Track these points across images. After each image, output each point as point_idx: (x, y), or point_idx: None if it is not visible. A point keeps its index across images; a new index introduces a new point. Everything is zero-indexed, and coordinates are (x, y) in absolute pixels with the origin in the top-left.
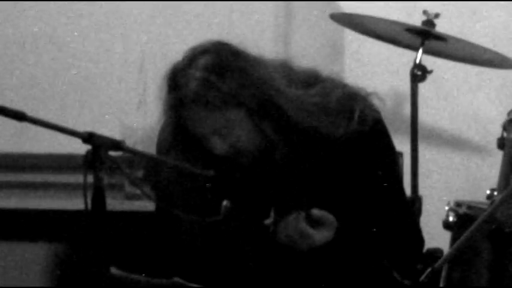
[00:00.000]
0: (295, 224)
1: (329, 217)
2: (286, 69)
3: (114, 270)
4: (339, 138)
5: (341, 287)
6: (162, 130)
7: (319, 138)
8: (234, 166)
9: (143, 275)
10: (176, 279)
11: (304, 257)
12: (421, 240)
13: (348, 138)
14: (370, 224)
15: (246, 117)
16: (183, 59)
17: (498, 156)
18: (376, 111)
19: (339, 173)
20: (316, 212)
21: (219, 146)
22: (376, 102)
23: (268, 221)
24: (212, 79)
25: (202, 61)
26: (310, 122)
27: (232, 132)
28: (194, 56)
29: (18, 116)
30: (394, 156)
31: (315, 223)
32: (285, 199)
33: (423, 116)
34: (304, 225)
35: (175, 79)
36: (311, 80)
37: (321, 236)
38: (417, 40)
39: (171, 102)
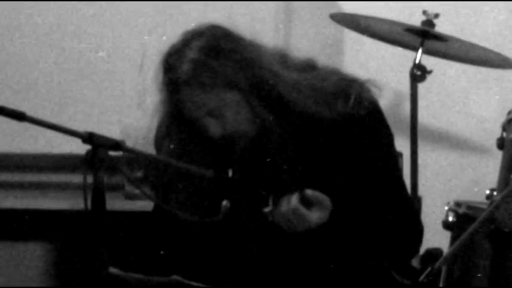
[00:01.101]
0: (289, 204)
1: (323, 197)
2: (282, 55)
3: (112, 269)
4: (335, 120)
5: (340, 280)
6: (160, 120)
7: (314, 120)
8: (229, 150)
9: (141, 273)
10: (175, 277)
11: (302, 241)
12: (419, 225)
13: (344, 120)
14: (367, 207)
15: (240, 98)
16: (178, 42)
17: (498, 156)
18: (373, 97)
19: (335, 155)
20: (310, 192)
21: (213, 127)
22: (374, 89)
23: (267, 209)
24: (206, 60)
25: (197, 43)
26: (305, 104)
27: (226, 113)
28: (189, 38)
29: (18, 116)
30: (391, 141)
31: (309, 203)
32: (282, 183)
33: (423, 116)
34: (298, 205)
35: (170, 61)
36: (308, 66)
37: (315, 216)
38: (417, 40)
39: (166, 84)
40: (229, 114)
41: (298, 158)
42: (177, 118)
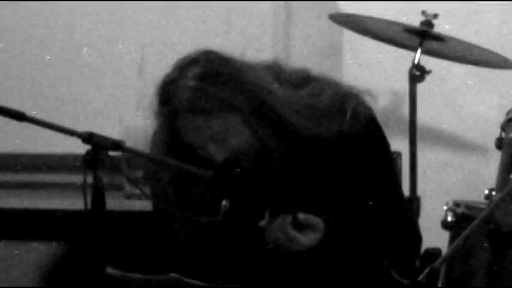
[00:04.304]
0: (281, 228)
1: (315, 220)
2: (276, 70)
3: (110, 269)
4: (333, 138)
5: (339, 279)
6: (154, 141)
7: (313, 139)
8: (232, 172)
9: (140, 272)
10: (173, 274)
11: (296, 259)
12: (418, 238)
13: (341, 138)
14: (367, 223)
15: (241, 121)
16: (173, 71)
17: (496, 156)
18: (369, 109)
19: (334, 173)
20: (302, 216)
21: (216, 152)
22: (368, 99)
23: (262, 223)
24: (205, 87)
25: (193, 71)
26: (303, 124)
27: (228, 137)
28: (183, 66)
29: (18, 116)
30: (389, 153)
31: (302, 226)
32: (280, 200)
33: (422, 116)
34: (289, 229)
35: (167, 91)
36: (302, 80)
37: (307, 239)
38: (416, 40)
39: (165, 115)
40: (231, 137)
41: (298, 176)
42: (177, 147)
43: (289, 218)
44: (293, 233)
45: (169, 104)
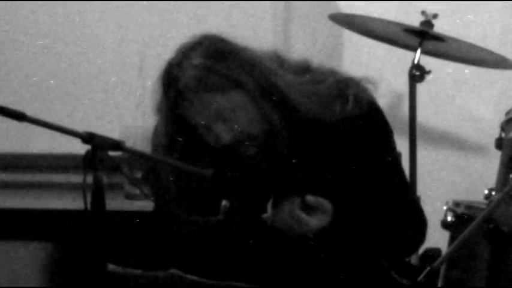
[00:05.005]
0: (290, 210)
1: (324, 203)
2: (277, 58)
3: (111, 266)
4: (336, 123)
5: (340, 280)
6: (156, 134)
7: (316, 123)
8: (237, 157)
9: (140, 268)
10: (173, 270)
11: (303, 246)
12: (423, 221)
13: (344, 121)
14: (372, 204)
15: (247, 99)
16: (176, 55)
17: (496, 156)
18: (370, 94)
19: (337, 155)
20: (310, 198)
21: (223, 132)
22: (369, 86)
23: (266, 215)
24: (211, 64)
25: (198, 51)
26: (308, 105)
27: (235, 115)
28: (188, 49)
29: (18, 116)
30: (391, 136)
31: (310, 209)
32: (284, 186)
33: (421, 116)
34: (298, 212)
35: (172, 74)
36: (303, 68)
37: (316, 221)
38: (415, 40)
39: (170, 98)
40: (238, 115)
41: (302, 159)
42: (181, 132)
43: (297, 201)
44: (302, 215)
45: (174, 85)
